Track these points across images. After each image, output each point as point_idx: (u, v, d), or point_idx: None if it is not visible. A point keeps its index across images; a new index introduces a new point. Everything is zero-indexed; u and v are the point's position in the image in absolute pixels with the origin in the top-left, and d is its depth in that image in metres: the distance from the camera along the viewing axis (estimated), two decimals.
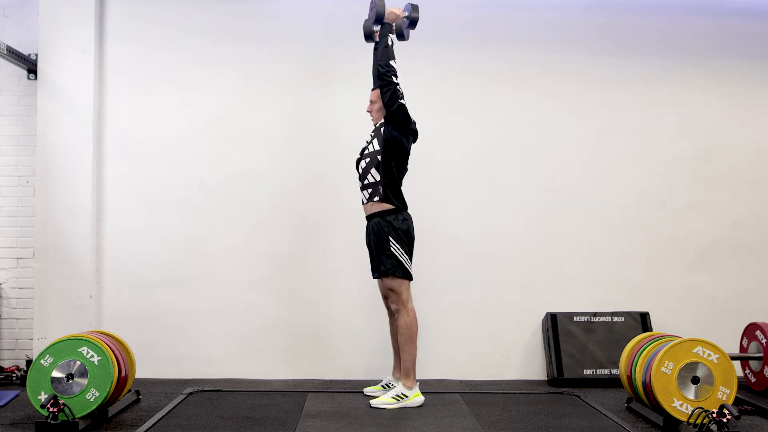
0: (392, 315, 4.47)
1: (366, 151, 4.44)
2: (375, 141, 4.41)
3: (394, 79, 4.29)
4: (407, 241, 4.35)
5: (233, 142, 5.30)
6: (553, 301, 5.36)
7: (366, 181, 4.38)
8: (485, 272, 5.35)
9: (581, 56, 5.45)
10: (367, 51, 5.34)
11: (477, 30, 5.41)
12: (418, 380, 4.43)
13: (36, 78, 5.17)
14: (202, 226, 5.26)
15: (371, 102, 4.53)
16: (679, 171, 5.49)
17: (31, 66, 5.16)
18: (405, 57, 5.34)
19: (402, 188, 4.40)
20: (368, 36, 4.33)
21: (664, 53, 5.49)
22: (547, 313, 5.33)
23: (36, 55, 5.16)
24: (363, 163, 4.43)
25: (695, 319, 5.40)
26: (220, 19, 5.32)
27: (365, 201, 4.42)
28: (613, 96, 5.46)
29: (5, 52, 4.81)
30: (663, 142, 5.49)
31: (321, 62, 5.35)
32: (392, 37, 4.33)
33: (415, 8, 4.36)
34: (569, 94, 5.45)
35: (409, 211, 4.43)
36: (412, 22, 4.29)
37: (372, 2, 4.26)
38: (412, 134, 4.46)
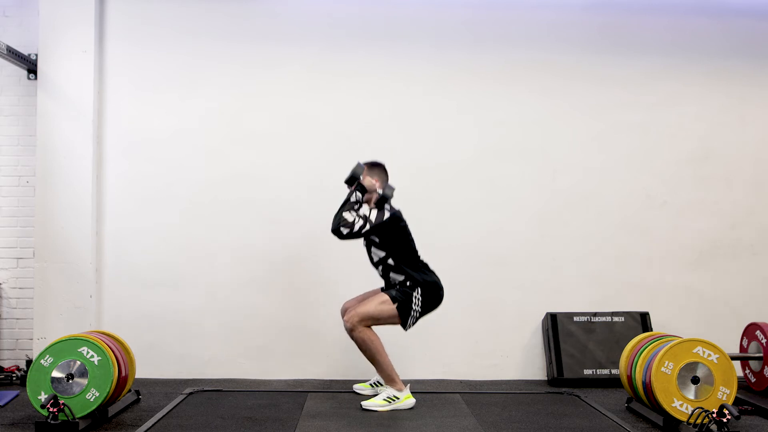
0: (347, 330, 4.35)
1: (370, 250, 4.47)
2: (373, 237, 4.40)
3: (342, 231, 4.23)
4: (433, 300, 4.35)
5: (233, 142, 5.31)
6: (553, 301, 5.36)
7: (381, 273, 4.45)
8: (485, 272, 5.35)
9: (581, 56, 5.45)
10: (367, 51, 5.37)
11: (477, 30, 5.41)
12: (408, 381, 4.42)
13: (36, 78, 5.17)
14: (202, 226, 5.27)
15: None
16: (679, 171, 5.49)
17: (31, 66, 5.16)
18: (405, 57, 5.37)
19: (417, 256, 4.42)
20: (349, 180, 4.39)
21: (664, 53, 5.49)
22: (547, 313, 5.33)
23: (36, 55, 5.16)
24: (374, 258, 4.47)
25: (695, 319, 5.40)
26: (220, 19, 5.33)
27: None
28: (613, 96, 5.46)
29: (5, 52, 4.81)
30: (663, 142, 5.49)
31: (321, 62, 5.35)
32: (358, 195, 4.33)
33: (390, 189, 4.40)
34: (569, 93, 5.44)
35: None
36: (383, 198, 4.35)
37: (358, 164, 4.39)
38: (392, 223, 4.34)
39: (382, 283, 4.55)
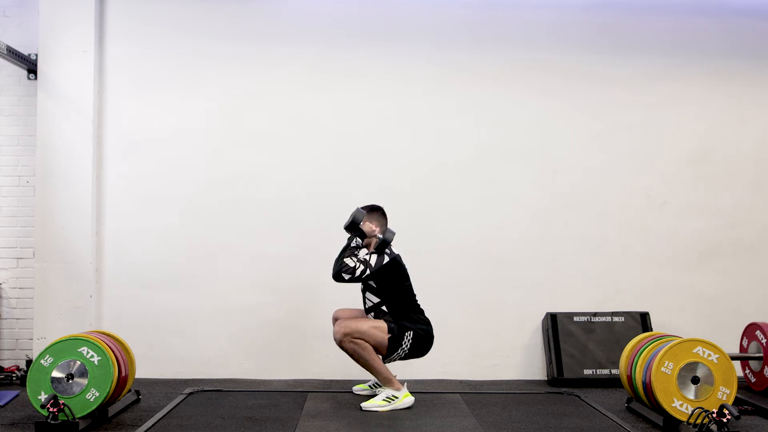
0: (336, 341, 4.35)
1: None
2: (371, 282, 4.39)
3: (344, 277, 4.24)
4: (421, 348, 4.35)
5: (233, 142, 5.31)
6: (553, 301, 5.36)
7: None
8: (485, 272, 5.35)
9: (581, 56, 5.45)
10: (367, 51, 5.37)
11: (477, 30, 5.41)
12: (405, 381, 4.43)
13: (36, 78, 5.17)
14: (202, 226, 5.27)
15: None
16: (679, 171, 5.49)
17: (31, 66, 5.16)
18: (405, 57, 5.37)
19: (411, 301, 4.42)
20: (350, 226, 4.40)
21: (664, 53, 5.49)
22: (547, 313, 5.33)
23: (36, 55, 5.16)
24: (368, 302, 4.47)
25: (695, 319, 5.40)
26: (220, 19, 5.32)
27: None
28: (613, 96, 5.46)
29: (5, 52, 4.81)
30: (663, 142, 5.49)
31: (321, 62, 5.35)
32: (358, 241, 4.35)
33: (391, 234, 4.40)
34: (569, 93, 5.44)
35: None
36: (384, 242, 4.36)
37: (357, 210, 4.40)
38: (391, 267, 4.35)
39: None
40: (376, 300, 4.38)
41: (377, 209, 4.48)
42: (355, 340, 4.22)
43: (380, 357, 4.31)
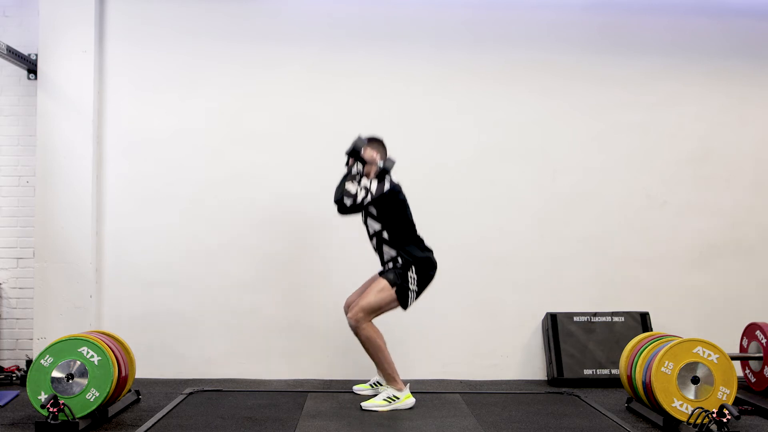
0: (351, 328, 4.37)
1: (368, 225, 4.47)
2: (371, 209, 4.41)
3: (346, 203, 4.26)
4: (427, 276, 4.37)
5: (233, 142, 5.31)
6: (553, 301, 5.36)
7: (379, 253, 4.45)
8: (485, 272, 5.35)
9: (581, 56, 5.45)
10: (367, 51, 5.37)
11: (477, 30, 5.41)
12: (408, 381, 4.43)
13: (36, 78, 5.17)
14: (202, 226, 5.27)
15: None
16: (679, 171, 5.49)
17: (31, 66, 5.16)
18: (405, 57, 5.37)
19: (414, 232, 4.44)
20: (351, 152, 4.41)
21: (664, 53, 5.49)
22: (547, 313, 5.33)
23: (36, 55, 5.16)
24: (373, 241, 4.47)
25: (695, 319, 5.40)
26: (220, 19, 5.33)
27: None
28: (613, 96, 5.46)
29: (5, 52, 4.81)
30: (663, 142, 5.49)
31: (321, 62, 5.35)
32: (359, 167, 4.37)
33: (390, 162, 4.41)
34: (569, 93, 5.44)
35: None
36: (383, 171, 4.38)
37: (359, 138, 4.41)
38: (391, 196, 4.36)
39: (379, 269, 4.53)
40: (377, 226, 4.38)
41: (378, 140, 4.51)
42: (369, 327, 4.25)
43: (399, 307, 4.35)
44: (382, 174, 4.37)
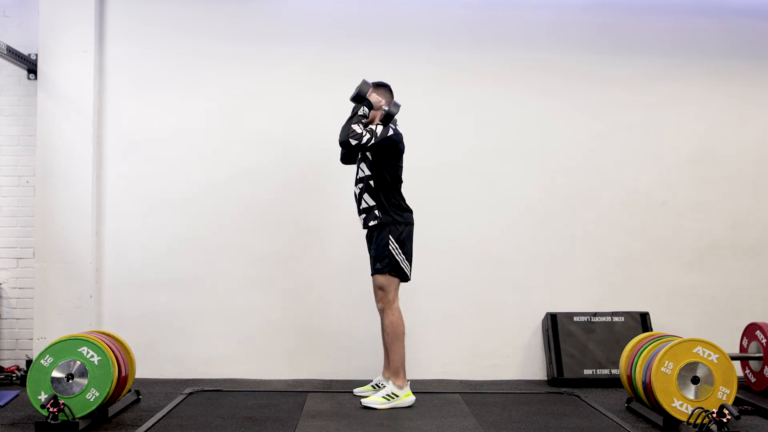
0: (380, 312, 4.47)
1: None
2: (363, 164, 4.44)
3: (351, 142, 4.27)
4: (409, 241, 4.40)
5: (233, 142, 5.30)
6: (553, 301, 5.36)
7: (361, 206, 4.47)
8: (485, 272, 5.35)
9: (581, 56, 5.45)
10: (367, 51, 5.36)
11: (477, 30, 5.41)
12: (409, 380, 4.43)
13: (36, 78, 5.17)
14: (202, 226, 5.27)
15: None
16: (679, 171, 5.49)
17: (31, 66, 5.16)
18: (405, 57, 5.37)
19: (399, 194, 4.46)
20: (355, 97, 4.42)
21: (664, 53, 5.49)
22: (547, 313, 5.33)
23: (36, 55, 5.16)
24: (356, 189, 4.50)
25: (695, 319, 5.40)
26: (220, 19, 5.33)
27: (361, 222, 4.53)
28: (613, 96, 5.46)
29: (5, 52, 4.81)
30: (663, 142, 5.49)
31: (321, 62, 5.35)
32: (365, 110, 4.38)
33: (396, 107, 4.43)
34: (569, 93, 5.44)
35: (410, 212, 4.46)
36: (388, 115, 4.39)
37: (363, 82, 4.41)
38: (391, 144, 4.39)
39: None
40: (367, 172, 4.40)
41: (384, 84, 4.53)
42: (395, 312, 4.35)
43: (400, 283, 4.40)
44: (387, 119, 4.39)
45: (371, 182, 4.39)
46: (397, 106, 4.43)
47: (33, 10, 5.23)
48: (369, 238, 4.49)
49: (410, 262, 4.41)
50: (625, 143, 5.46)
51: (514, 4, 5.43)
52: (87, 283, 5.12)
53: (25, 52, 5.13)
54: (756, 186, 5.54)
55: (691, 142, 5.50)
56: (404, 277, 4.40)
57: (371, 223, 4.39)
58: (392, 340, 4.34)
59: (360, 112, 4.36)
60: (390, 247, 4.32)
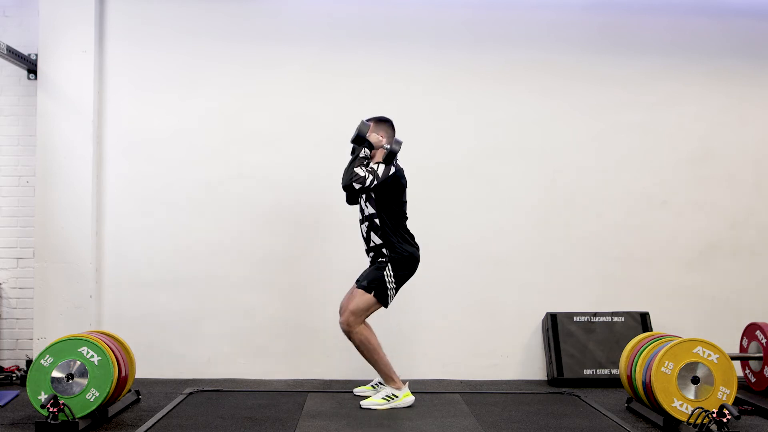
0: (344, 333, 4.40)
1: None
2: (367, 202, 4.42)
3: (355, 186, 4.26)
4: (405, 270, 4.37)
5: (233, 142, 5.31)
6: (553, 301, 5.36)
7: (370, 245, 4.45)
8: (485, 272, 5.35)
9: (581, 56, 5.45)
10: (367, 51, 5.36)
11: (477, 30, 5.41)
12: (408, 380, 4.44)
13: (36, 78, 5.17)
14: (202, 226, 5.27)
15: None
16: (679, 171, 5.49)
17: (31, 66, 5.16)
18: (405, 57, 5.37)
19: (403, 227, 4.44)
20: (356, 139, 4.41)
21: (664, 53, 5.49)
22: (547, 313, 5.33)
23: (36, 55, 5.16)
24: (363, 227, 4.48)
25: (695, 319, 5.40)
26: (220, 19, 5.33)
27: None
28: (613, 96, 5.46)
29: (5, 52, 4.81)
30: (663, 142, 5.49)
31: (321, 62, 5.35)
32: (366, 152, 4.36)
33: (398, 144, 4.41)
34: (569, 93, 5.44)
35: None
36: (390, 154, 4.38)
37: (362, 122, 4.41)
38: (394, 181, 4.38)
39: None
40: (372, 211, 4.38)
41: (385, 120, 4.50)
42: (362, 330, 4.29)
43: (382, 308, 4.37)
44: (390, 157, 4.37)
45: (376, 220, 4.37)
46: (399, 143, 4.40)
47: (33, 10, 5.23)
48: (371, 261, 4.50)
49: (396, 292, 4.37)
50: (625, 143, 5.46)
51: (514, 4, 5.43)
52: (87, 283, 5.12)
53: (25, 52, 5.13)
54: (756, 186, 5.54)
55: (691, 142, 5.50)
56: (384, 304, 4.36)
57: (380, 260, 4.37)
58: (370, 355, 4.32)
59: (361, 155, 4.33)
60: (385, 275, 4.31)
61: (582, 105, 5.45)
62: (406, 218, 4.46)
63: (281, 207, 5.30)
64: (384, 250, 4.34)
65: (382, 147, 4.41)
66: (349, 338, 4.33)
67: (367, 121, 4.43)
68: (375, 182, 4.26)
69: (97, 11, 5.22)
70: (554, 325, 5.27)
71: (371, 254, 4.43)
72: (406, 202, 4.46)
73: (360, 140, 4.37)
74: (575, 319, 5.31)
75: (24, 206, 5.23)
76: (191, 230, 5.26)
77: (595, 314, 5.34)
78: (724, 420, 3.58)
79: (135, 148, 5.28)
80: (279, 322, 5.27)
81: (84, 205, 5.13)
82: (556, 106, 5.44)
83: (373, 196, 4.37)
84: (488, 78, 5.41)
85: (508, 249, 5.37)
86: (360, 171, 4.27)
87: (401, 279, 4.36)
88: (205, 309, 5.24)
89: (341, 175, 4.39)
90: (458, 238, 5.34)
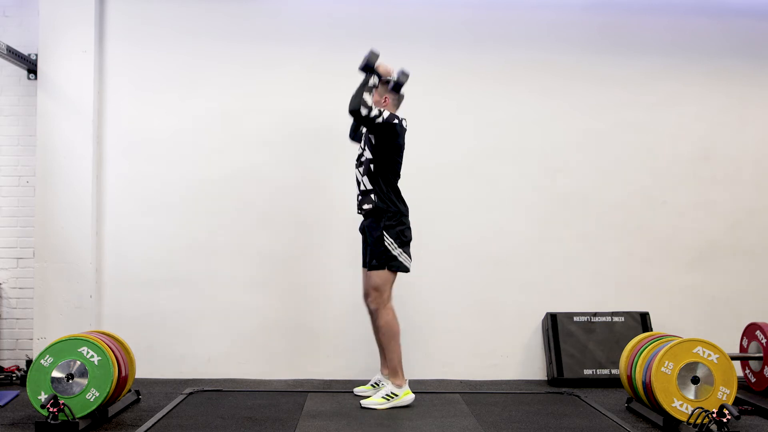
0: (372, 313, 4.47)
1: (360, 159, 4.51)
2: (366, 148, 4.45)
3: (362, 112, 4.26)
4: (406, 234, 4.38)
5: (233, 142, 5.31)
6: (553, 301, 5.36)
7: (360, 188, 4.47)
8: (485, 272, 5.35)
9: (581, 56, 5.45)
10: (367, 51, 5.35)
11: (477, 30, 5.41)
12: (408, 379, 4.44)
13: (36, 78, 5.17)
14: (202, 226, 5.27)
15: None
16: (679, 171, 5.49)
17: (31, 66, 5.16)
18: (405, 57, 5.35)
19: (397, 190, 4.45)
20: (364, 67, 4.42)
21: (664, 53, 5.49)
22: (547, 313, 5.33)
23: (36, 55, 5.16)
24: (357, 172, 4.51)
25: (695, 319, 5.40)
26: (220, 19, 5.33)
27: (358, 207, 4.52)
28: (613, 96, 5.46)
29: (5, 52, 4.81)
30: (663, 142, 5.49)
31: (321, 62, 5.35)
32: (375, 80, 4.36)
33: (405, 76, 4.44)
34: (569, 93, 5.44)
35: (410, 210, 4.45)
36: (397, 84, 4.42)
37: (370, 52, 4.41)
38: (394, 130, 4.40)
39: None
40: (369, 156, 4.40)
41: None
42: (389, 312, 4.32)
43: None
44: (397, 87, 4.43)
45: (371, 166, 4.39)
46: (406, 75, 4.41)
47: (33, 10, 5.23)
48: (363, 230, 4.50)
49: (409, 254, 4.38)
50: (625, 143, 5.46)
51: (514, 4, 5.43)
52: (87, 283, 5.12)
53: (25, 52, 5.13)
54: (756, 186, 5.54)
55: (691, 142, 5.50)
56: (403, 269, 4.37)
57: (365, 206, 4.39)
58: (388, 340, 4.34)
59: (370, 83, 4.33)
60: (385, 243, 4.31)
61: (582, 105, 5.45)
62: (399, 178, 4.47)
63: (281, 207, 5.30)
64: (372, 196, 4.35)
65: (390, 77, 4.43)
66: (375, 318, 4.38)
67: (376, 51, 4.39)
68: (379, 120, 4.26)
69: (97, 11, 5.22)
70: (554, 325, 5.27)
71: (359, 197, 4.44)
72: (401, 163, 4.47)
73: (369, 68, 4.36)
74: (575, 319, 5.31)
75: (24, 206, 5.23)
76: (191, 230, 5.26)
77: (595, 314, 5.34)
78: (724, 420, 3.59)
79: (135, 148, 5.28)
80: (279, 322, 5.27)
81: (84, 205, 5.13)
82: (556, 106, 5.44)
83: (373, 141, 4.38)
84: (488, 78, 5.41)
85: (508, 249, 5.37)
86: (368, 98, 4.26)
87: (399, 235, 4.33)
88: (205, 309, 5.24)
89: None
90: (458, 238, 5.34)
